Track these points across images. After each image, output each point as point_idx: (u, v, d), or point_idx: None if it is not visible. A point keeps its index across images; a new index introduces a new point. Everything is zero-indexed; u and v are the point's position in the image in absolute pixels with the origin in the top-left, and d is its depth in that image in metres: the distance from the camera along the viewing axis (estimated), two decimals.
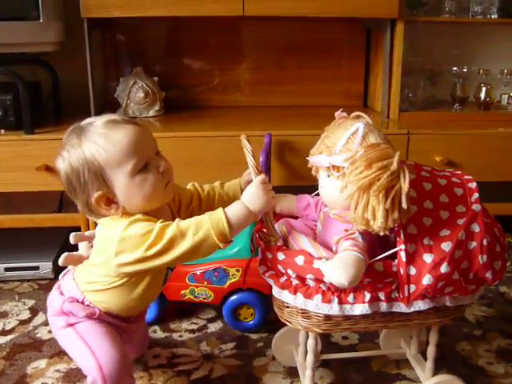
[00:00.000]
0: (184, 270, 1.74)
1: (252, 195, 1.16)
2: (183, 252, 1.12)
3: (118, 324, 1.34)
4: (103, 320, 1.30)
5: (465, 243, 1.21)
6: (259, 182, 1.16)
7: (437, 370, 1.47)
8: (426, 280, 1.18)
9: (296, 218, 1.43)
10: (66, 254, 1.37)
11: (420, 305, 1.24)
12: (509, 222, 1.64)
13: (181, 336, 1.77)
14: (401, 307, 1.24)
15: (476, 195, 1.25)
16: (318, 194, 1.38)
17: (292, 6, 2.00)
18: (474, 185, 1.27)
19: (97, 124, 1.17)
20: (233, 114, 2.33)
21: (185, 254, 1.13)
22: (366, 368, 1.62)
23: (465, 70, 2.34)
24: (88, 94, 2.09)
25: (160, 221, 1.15)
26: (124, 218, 1.17)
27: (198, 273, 1.74)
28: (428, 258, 1.18)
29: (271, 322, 1.81)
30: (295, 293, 1.24)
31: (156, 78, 2.29)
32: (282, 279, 1.26)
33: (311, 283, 1.22)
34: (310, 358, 1.37)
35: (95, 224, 1.25)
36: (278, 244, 1.24)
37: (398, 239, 1.19)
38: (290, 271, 1.22)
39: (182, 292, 1.77)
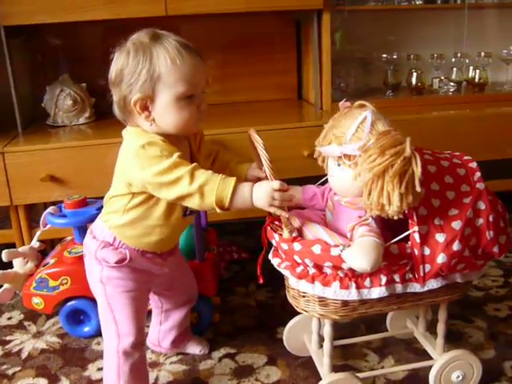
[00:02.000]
0: None
1: (261, 193, 1.20)
2: (183, 194, 1.19)
3: (149, 267, 1.40)
4: (134, 270, 1.37)
5: (473, 221, 1.29)
6: (274, 187, 1.20)
7: None
8: (441, 259, 1.25)
9: (302, 208, 1.47)
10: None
11: (433, 283, 1.31)
12: None
13: None
14: (414, 287, 1.30)
15: (478, 174, 1.33)
16: (322, 184, 1.45)
17: (215, 3, 2.01)
18: (474, 164, 1.35)
19: (173, 39, 1.23)
20: None
21: (184, 197, 1.20)
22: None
23: (395, 57, 2.41)
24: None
25: (178, 154, 1.21)
26: (146, 135, 1.24)
27: None
28: (440, 237, 1.25)
29: (216, 325, 1.82)
30: (313, 281, 1.28)
31: (84, 85, 2.25)
32: (299, 269, 1.30)
33: (328, 271, 1.27)
34: (327, 345, 1.42)
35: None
36: (294, 235, 1.28)
37: (410, 221, 1.26)
38: (307, 260, 1.26)
39: None
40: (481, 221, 1.29)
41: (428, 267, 1.27)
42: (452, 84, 2.43)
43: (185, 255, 1.71)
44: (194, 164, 1.21)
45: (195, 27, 2.41)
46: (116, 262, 1.34)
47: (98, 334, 1.78)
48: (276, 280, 1.51)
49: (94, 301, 1.72)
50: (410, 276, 1.29)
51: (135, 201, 1.30)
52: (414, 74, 2.39)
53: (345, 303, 1.31)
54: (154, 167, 1.19)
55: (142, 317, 1.42)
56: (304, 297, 1.34)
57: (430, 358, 1.55)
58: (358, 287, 1.26)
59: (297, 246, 1.25)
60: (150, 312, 1.58)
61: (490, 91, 2.48)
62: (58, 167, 1.94)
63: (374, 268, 1.17)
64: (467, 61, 2.49)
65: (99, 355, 1.69)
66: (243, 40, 2.47)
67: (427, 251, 1.25)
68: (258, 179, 1.36)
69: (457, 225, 1.26)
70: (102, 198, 1.82)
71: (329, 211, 1.41)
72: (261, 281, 1.41)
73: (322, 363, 1.46)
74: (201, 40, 2.38)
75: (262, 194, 1.19)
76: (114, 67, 1.25)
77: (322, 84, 2.24)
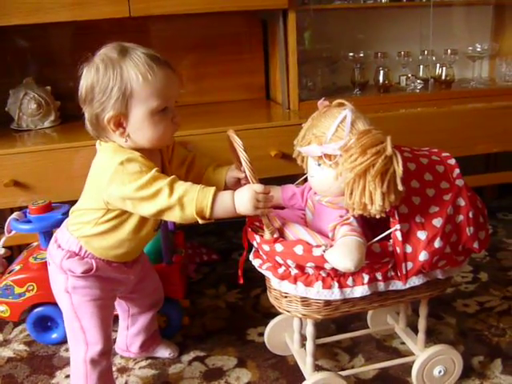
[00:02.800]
0: None
1: (244, 198, 1.19)
2: (163, 207, 1.19)
3: (115, 276, 1.39)
4: (100, 278, 1.36)
5: (453, 217, 1.31)
6: (256, 190, 1.19)
7: None
8: (423, 256, 1.27)
9: (282, 208, 1.48)
10: None
11: (415, 280, 1.32)
12: None
13: None
14: (396, 285, 1.32)
15: (457, 171, 1.35)
16: (302, 183, 1.46)
17: (179, 4, 2.00)
18: (453, 161, 1.37)
19: (142, 52, 1.22)
20: None
21: (164, 210, 1.19)
22: None
23: (361, 55, 2.40)
24: None
25: (156, 169, 1.21)
26: (124, 152, 1.24)
27: None
28: (422, 235, 1.27)
29: (185, 328, 1.81)
30: (295, 282, 1.29)
31: (49, 88, 2.22)
32: (281, 270, 1.31)
33: (310, 271, 1.28)
34: (310, 344, 1.43)
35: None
36: (275, 236, 1.28)
37: (391, 220, 1.27)
38: (289, 261, 1.26)
39: None
40: (461, 217, 1.31)
41: (410, 265, 1.28)
42: (419, 81, 2.44)
43: (152, 258, 1.71)
44: (173, 176, 1.21)
45: (162, 28, 2.40)
46: (82, 273, 1.33)
47: (66, 340, 1.76)
48: (246, 281, 1.51)
49: None
50: (392, 274, 1.30)
51: (109, 215, 1.29)
52: (381, 72, 2.40)
53: (327, 303, 1.32)
54: (133, 183, 1.18)
55: (108, 324, 1.42)
56: (286, 297, 1.35)
57: (401, 355, 1.57)
58: (341, 286, 1.27)
59: (278, 247, 1.26)
60: (116, 317, 1.57)
61: (457, 88, 2.50)
62: (23, 172, 1.91)
63: (358, 267, 1.17)
64: (434, 58, 2.51)
65: (67, 362, 1.66)
66: (210, 40, 2.45)
67: (409, 249, 1.27)
68: (238, 180, 1.37)
69: (438, 222, 1.28)
70: (67, 202, 1.82)
71: (309, 211, 1.42)
72: (241, 281, 1.42)
73: (305, 362, 1.48)
74: (168, 41, 2.41)
75: (244, 199, 1.19)
76: (84, 84, 1.24)
77: (288, 84, 2.23)
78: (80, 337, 1.38)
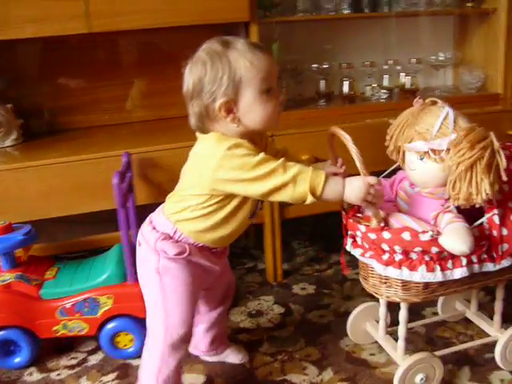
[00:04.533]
0: (53, 306, 1.70)
1: (356, 187, 1.28)
2: (277, 184, 1.25)
3: (205, 262, 1.44)
4: (191, 263, 1.40)
5: None
6: (370, 182, 1.28)
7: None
8: None
9: None
10: None
11: (504, 263, 1.44)
12: None
13: (59, 374, 1.74)
14: (488, 267, 1.43)
15: None
16: (387, 176, 1.58)
17: (138, 19, 1.98)
18: None
19: (243, 41, 1.31)
20: (97, 135, 2.25)
21: (278, 188, 1.26)
22: None
23: (325, 66, 2.40)
24: None
25: (263, 153, 1.28)
26: (229, 139, 1.29)
27: (68, 306, 1.71)
28: None
29: None
30: (400, 267, 1.38)
31: (10, 105, 2.19)
32: (385, 257, 1.40)
33: (414, 256, 1.37)
34: (402, 328, 1.54)
35: None
36: (382, 225, 1.38)
37: (488, 206, 1.40)
38: (396, 247, 1.36)
39: (55, 328, 1.74)
40: None
41: (506, 246, 1.42)
42: (384, 91, 2.47)
43: (117, 278, 1.70)
44: (283, 158, 1.28)
45: (125, 43, 2.39)
46: (175, 254, 1.38)
47: (29, 364, 1.74)
48: None
49: (24, 330, 1.69)
50: (485, 256, 1.42)
51: (212, 201, 1.34)
52: (346, 83, 2.42)
53: (426, 286, 1.43)
54: (246, 164, 1.25)
55: (192, 313, 1.45)
56: (386, 283, 1.46)
57: (371, 367, 1.59)
58: (442, 269, 1.38)
59: (386, 234, 1.35)
60: None
61: (422, 96, 2.51)
62: None
63: (471, 249, 1.31)
64: (399, 67, 2.54)
65: None
66: (173, 54, 2.43)
67: (505, 232, 1.40)
68: (334, 175, 1.41)
69: None
70: (28, 222, 1.80)
71: (402, 201, 1.53)
72: (347, 272, 1.56)
73: (391, 348, 1.62)
74: (130, 55, 2.40)
75: (356, 188, 1.27)
76: (191, 79, 1.32)
77: None
78: (161, 320, 1.42)
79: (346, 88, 2.43)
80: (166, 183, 1.91)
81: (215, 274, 1.51)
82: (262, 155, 1.27)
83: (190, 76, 1.32)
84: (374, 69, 2.51)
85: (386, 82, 2.53)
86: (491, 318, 1.69)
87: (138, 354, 1.72)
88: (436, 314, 1.89)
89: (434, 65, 2.57)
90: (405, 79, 2.52)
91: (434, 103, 1.49)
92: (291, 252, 2.49)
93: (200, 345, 1.70)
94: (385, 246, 1.37)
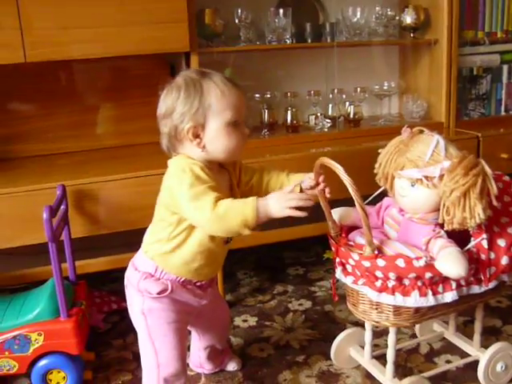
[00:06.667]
0: None
1: (276, 199, 1.31)
2: (205, 219, 1.31)
3: (189, 299, 1.50)
4: (175, 301, 1.48)
5: None
6: (286, 189, 1.37)
7: None
8: (504, 260, 1.49)
9: (356, 228, 1.60)
10: None
11: (490, 285, 1.51)
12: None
13: None
14: (474, 289, 1.50)
15: None
16: (370, 203, 1.62)
17: (76, 49, 1.98)
18: (507, 178, 1.60)
19: (219, 74, 1.42)
20: (34, 165, 2.21)
21: (206, 222, 1.32)
22: None
23: (268, 96, 2.41)
24: None
25: (209, 185, 1.33)
26: (191, 160, 1.38)
27: None
28: (502, 242, 1.49)
29: (89, 383, 1.76)
30: (393, 293, 1.43)
31: None
32: (378, 283, 1.44)
33: (407, 282, 1.42)
34: (391, 352, 1.59)
35: None
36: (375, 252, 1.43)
37: (476, 231, 1.46)
38: (391, 274, 1.41)
39: None
40: None
41: (493, 269, 1.49)
42: (327, 120, 2.51)
43: (49, 313, 1.67)
44: (216, 195, 1.31)
45: (72, 72, 2.38)
46: (158, 293, 1.45)
47: None
48: None
49: None
50: (472, 279, 1.48)
51: (180, 228, 1.41)
52: (289, 112, 2.44)
53: (416, 310, 1.48)
54: (186, 192, 1.32)
55: (181, 348, 1.51)
56: (377, 309, 1.50)
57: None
58: (434, 294, 1.44)
59: (380, 261, 1.40)
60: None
61: (366, 126, 2.58)
62: None
63: (466, 273, 1.36)
64: (344, 96, 2.59)
65: None
66: (116, 83, 2.44)
67: (492, 255, 1.48)
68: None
69: (511, 230, 1.50)
70: None
71: (390, 228, 1.59)
72: (336, 299, 1.59)
73: (378, 372, 1.66)
74: (81, 83, 2.38)
75: (277, 199, 1.31)
76: (165, 101, 1.42)
77: None
78: (152, 358, 1.49)
79: (289, 117, 2.45)
80: (103, 215, 1.90)
81: (203, 307, 1.57)
82: (202, 188, 1.32)
83: (165, 99, 1.42)
84: (319, 97, 2.55)
85: (330, 111, 2.57)
86: (470, 338, 1.77)
87: None
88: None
89: (377, 94, 2.63)
90: (348, 108, 2.56)
91: (421, 132, 1.55)
92: (236, 282, 2.49)
93: (205, 364, 1.80)
94: (378, 273, 1.42)
